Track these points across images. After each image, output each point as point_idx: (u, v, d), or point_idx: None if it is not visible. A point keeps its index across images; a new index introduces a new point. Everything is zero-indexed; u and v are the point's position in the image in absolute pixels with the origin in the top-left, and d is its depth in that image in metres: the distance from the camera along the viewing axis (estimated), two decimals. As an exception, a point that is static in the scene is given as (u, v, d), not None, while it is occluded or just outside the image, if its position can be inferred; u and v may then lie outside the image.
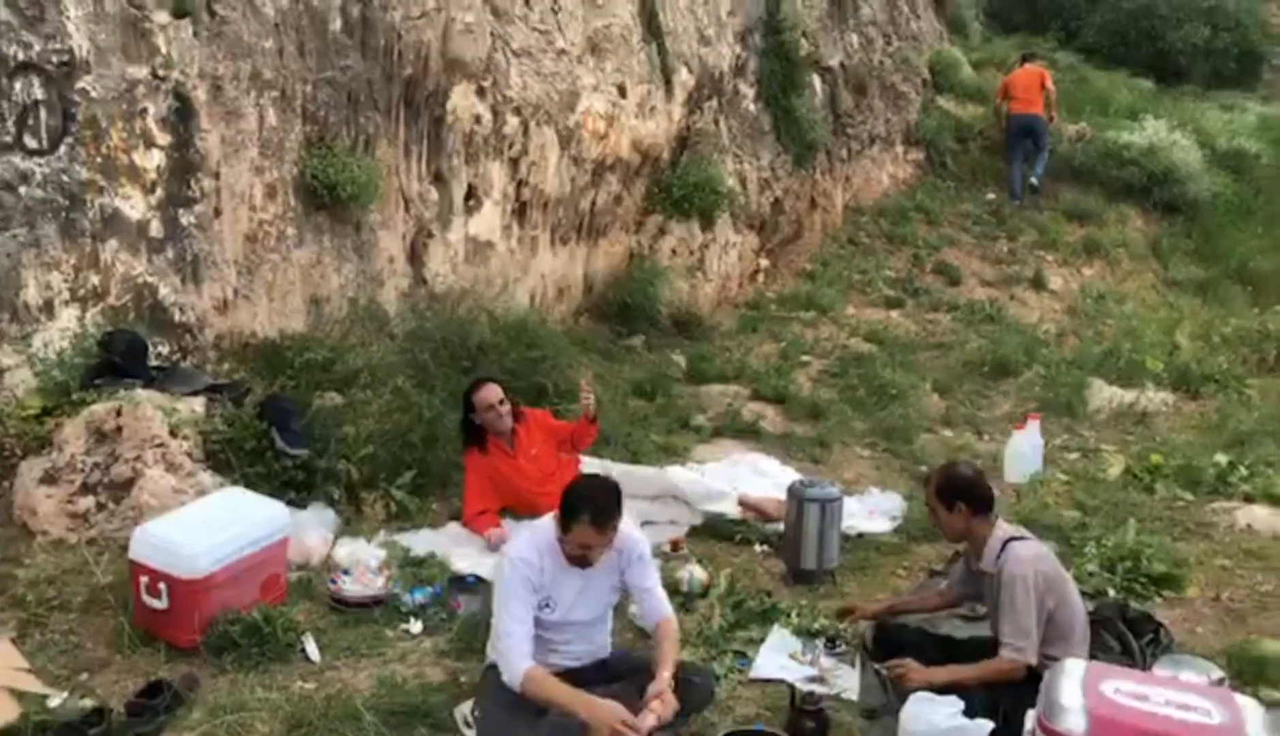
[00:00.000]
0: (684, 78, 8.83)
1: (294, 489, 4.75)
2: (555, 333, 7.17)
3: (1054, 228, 11.50)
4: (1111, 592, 4.72)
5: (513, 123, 7.14)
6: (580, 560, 3.26)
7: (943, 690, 3.32)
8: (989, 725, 3.13)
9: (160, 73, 4.99)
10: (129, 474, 4.29)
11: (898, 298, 10.19)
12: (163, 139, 5.03)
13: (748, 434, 6.79)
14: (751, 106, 9.92)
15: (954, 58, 13.56)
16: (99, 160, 4.75)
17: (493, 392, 5.13)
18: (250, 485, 4.57)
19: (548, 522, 3.35)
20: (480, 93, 6.89)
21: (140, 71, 4.92)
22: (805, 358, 8.55)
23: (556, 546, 3.30)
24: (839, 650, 4.06)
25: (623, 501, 3.28)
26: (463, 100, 6.77)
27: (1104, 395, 7.92)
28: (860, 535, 5.24)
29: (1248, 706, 2.81)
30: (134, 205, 4.92)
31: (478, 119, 6.91)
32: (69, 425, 4.33)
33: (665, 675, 3.17)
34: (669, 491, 5.30)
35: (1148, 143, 12.09)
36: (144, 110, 4.94)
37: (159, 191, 5.04)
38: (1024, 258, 11.18)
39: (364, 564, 4.30)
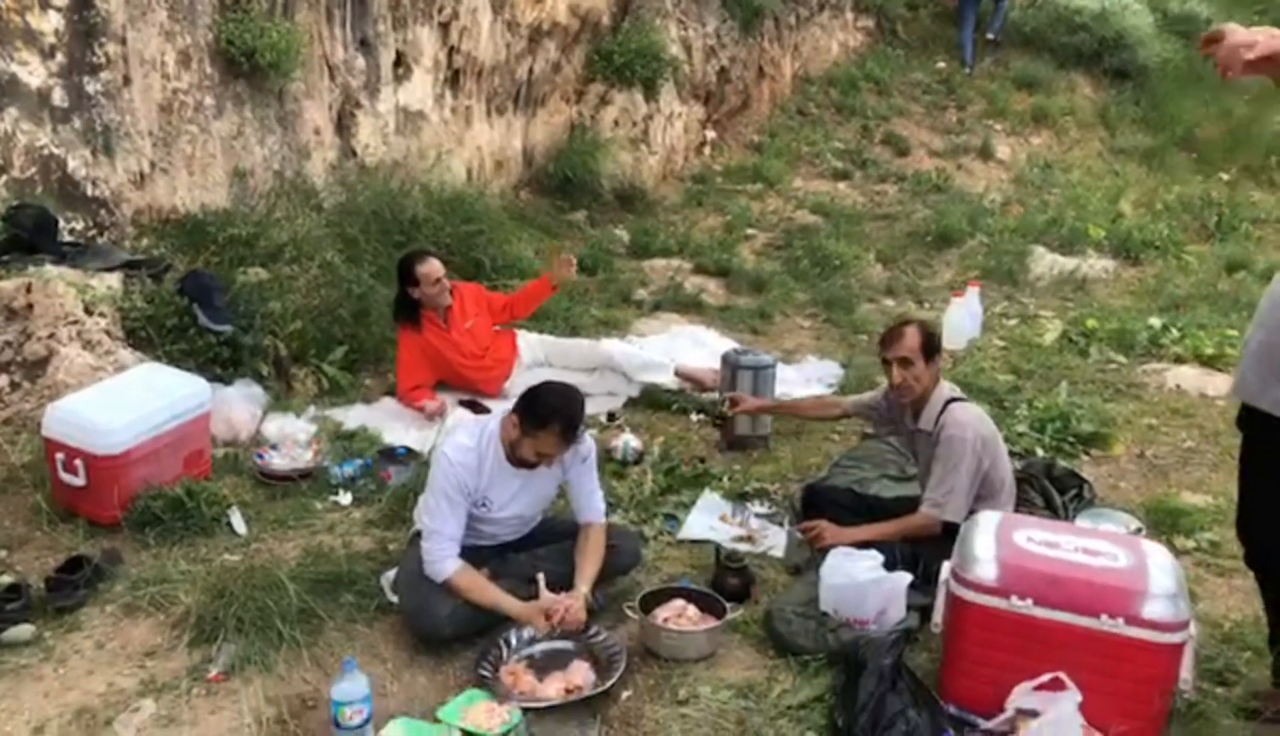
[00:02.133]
0: (624, -62, 8.48)
1: (220, 366, 4.65)
2: (493, 207, 7.02)
3: (1002, 96, 11.36)
4: (1040, 452, 4.80)
5: (442, -15, 6.84)
6: (533, 464, 3.18)
7: (863, 547, 3.37)
8: (907, 576, 3.19)
9: (53, -73, 4.68)
10: (43, 352, 4.16)
11: (845, 170, 10.08)
12: (59, 0, 4.74)
13: (689, 307, 6.75)
14: (696, -30, 9.57)
15: (906, -80, 13.12)
16: (-9, 23, 4.47)
17: (436, 266, 5.03)
18: (173, 362, 4.47)
19: (491, 421, 3.28)
20: (406, -47, 6.57)
21: (30, -75, 4.61)
22: (750, 231, 8.48)
23: (499, 446, 3.21)
24: (768, 512, 4.10)
25: (584, 412, 3.22)
26: (388, -39, 6.45)
27: (1045, 262, 7.95)
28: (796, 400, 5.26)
29: (1154, 551, 2.87)
30: (32, 71, 4.66)
31: (404, -19, 6.60)
32: (-24, 303, 4.17)
33: (582, 589, 3.15)
34: (605, 363, 5.27)
35: (1099, 7, 11.89)
36: (37, -31, 4.64)
37: (59, 57, 4.77)
38: (973, 127, 11.06)
39: (292, 438, 4.25)
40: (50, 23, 4.73)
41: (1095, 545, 2.86)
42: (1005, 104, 11.33)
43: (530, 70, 7.87)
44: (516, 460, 3.20)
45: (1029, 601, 2.73)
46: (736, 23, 10.05)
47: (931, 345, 3.60)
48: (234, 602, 3.12)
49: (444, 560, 3.10)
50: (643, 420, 5.05)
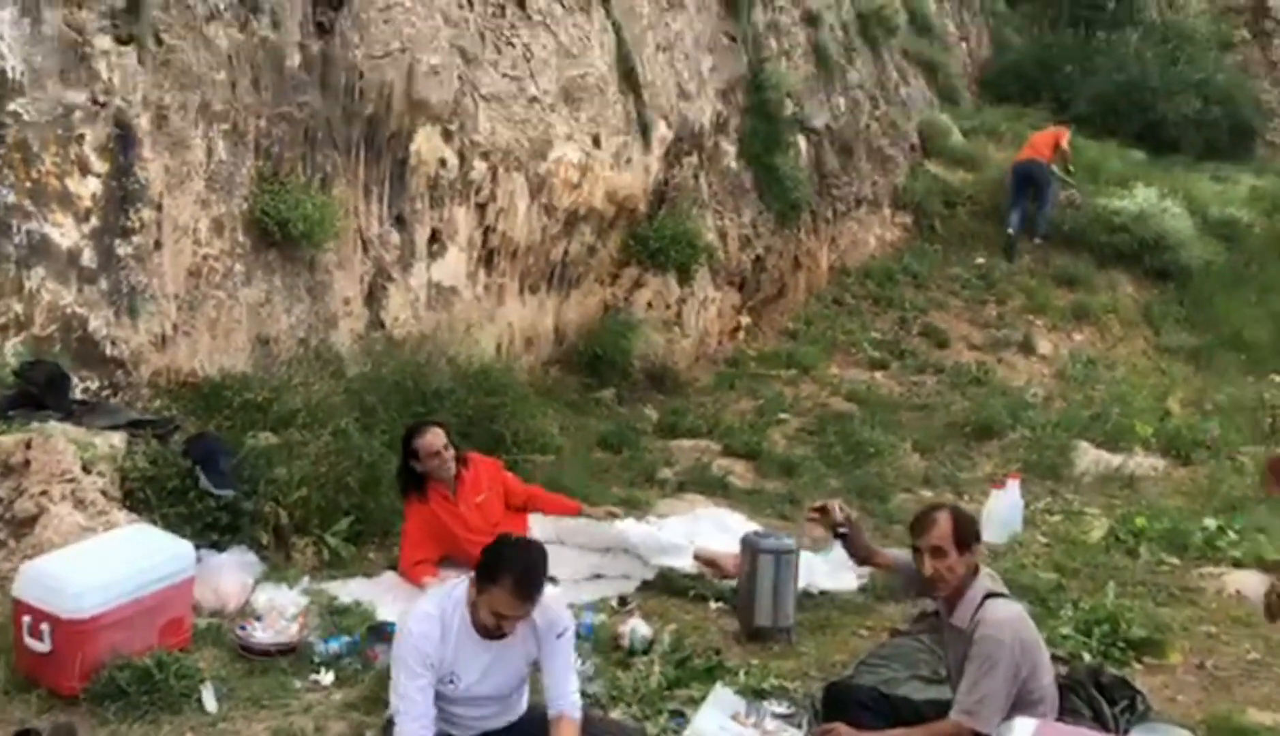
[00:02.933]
0: (662, 131, 8.73)
1: (218, 531, 4.49)
2: (518, 381, 6.94)
3: (1043, 292, 11.32)
4: (1087, 657, 4.41)
5: (480, 168, 7.01)
6: (491, 630, 2.91)
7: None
8: (933, 791, 2.82)
9: (100, 99, 4.85)
10: (33, 510, 4.02)
11: (883, 359, 9.98)
12: (100, 166, 4.87)
13: (715, 489, 6.53)
14: (733, 163, 9.81)
15: (943, 124, 13.51)
16: (28, 185, 4.57)
17: (437, 438, 4.88)
18: (170, 526, 4.31)
19: (459, 587, 3.04)
20: (446, 136, 6.77)
21: (79, 96, 4.78)
22: (783, 415, 8.32)
23: (466, 614, 2.96)
24: (786, 712, 3.74)
25: (547, 570, 2.97)
26: (427, 143, 6.64)
27: (1090, 458, 7.65)
28: (823, 592, 4.95)
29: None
30: (64, 233, 4.74)
31: (443, 163, 6.77)
32: (-27, 457, 4.08)
33: None
34: (620, 544, 5.02)
35: (1138, 209, 11.95)
36: (81, 136, 4.79)
37: (93, 220, 4.86)
38: (1013, 322, 10.97)
39: (280, 611, 4.02)
40: (89, 187, 4.84)
41: (1146, 763, 2.50)
42: (1046, 300, 11.27)
43: (565, 252, 7.96)
44: (482, 629, 2.92)
45: (1072, 827, 2.36)
46: (772, 214, 10.21)
47: (966, 533, 3.32)
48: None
49: None
50: (657, 606, 4.75)
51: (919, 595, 3.86)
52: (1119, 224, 11.84)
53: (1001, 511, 6.07)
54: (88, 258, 4.84)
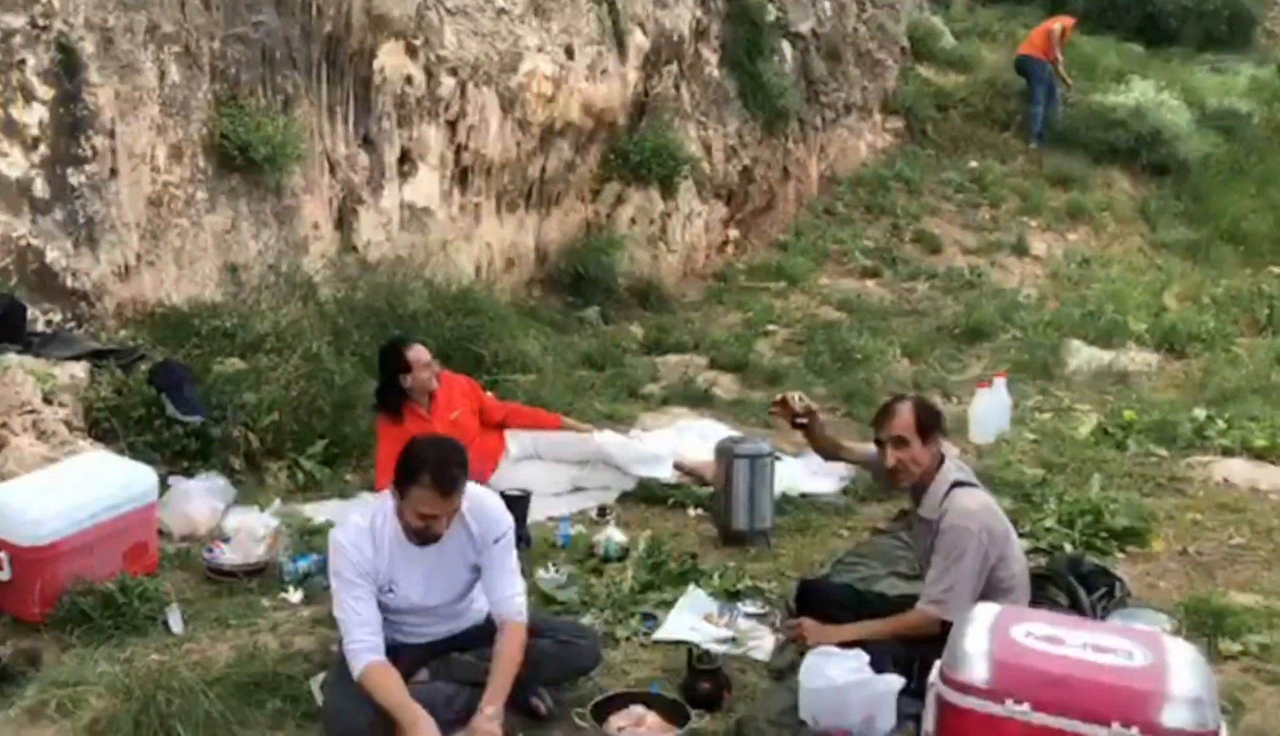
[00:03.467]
0: (638, 40, 8.49)
1: (187, 458, 4.46)
2: (497, 302, 6.84)
3: (1037, 193, 11.12)
4: (1069, 548, 4.38)
5: (448, 84, 6.83)
6: (422, 533, 2.85)
7: (853, 647, 2.99)
8: (899, 680, 2.79)
9: (40, 22, 4.69)
10: (-6, 442, 3.98)
11: (875, 267, 9.83)
12: (45, 93, 4.72)
13: (700, 402, 6.46)
14: (715, 72, 9.57)
15: (933, 26, 13.18)
16: (-31, 113, 4.45)
17: (425, 351, 4.83)
18: (138, 454, 4.27)
19: (387, 500, 2.98)
20: (411, 52, 6.58)
21: (17, 20, 4.62)
22: (771, 327, 8.22)
23: (397, 524, 2.92)
24: (759, 611, 3.71)
25: (467, 464, 2.90)
26: (391, 60, 6.46)
27: (1082, 356, 7.56)
28: (804, 496, 4.91)
29: (1177, 649, 2.47)
30: (12, 162, 4.61)
31: (409, 80, 6.59)
32: (-71, 391, 4.02)
33: (487, 710, 2.72)
34: (599, 456, 4.97)
35: (1134, 104, 11.70)
36: (22, 61, 4.63)
37: (42, 149, 4.73)
38: (1006, 224, 10.80)
39: (249, 533, 3.98)
40: (34, 115, 4.71)
41: (1107, 641, 2.45)
42: (1040, 201, 11.08)
43: (543, 168, 7.80)
44: (414, 536, 2.87)
45: (1026, 706, 2.32)
46: (758, 124, 9.99)
47: (929, 422, 3.25)
48: (145, 708, 2.81)
49: (359, 653, 2.78)
50: (636, 515, 4.73)
51: (885, 488, 3.80)
52: (1115, 119, 11.60)
53: (987, 410, 6.00)
54: (39, 188, 4.73)
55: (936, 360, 7.55)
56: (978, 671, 2.39)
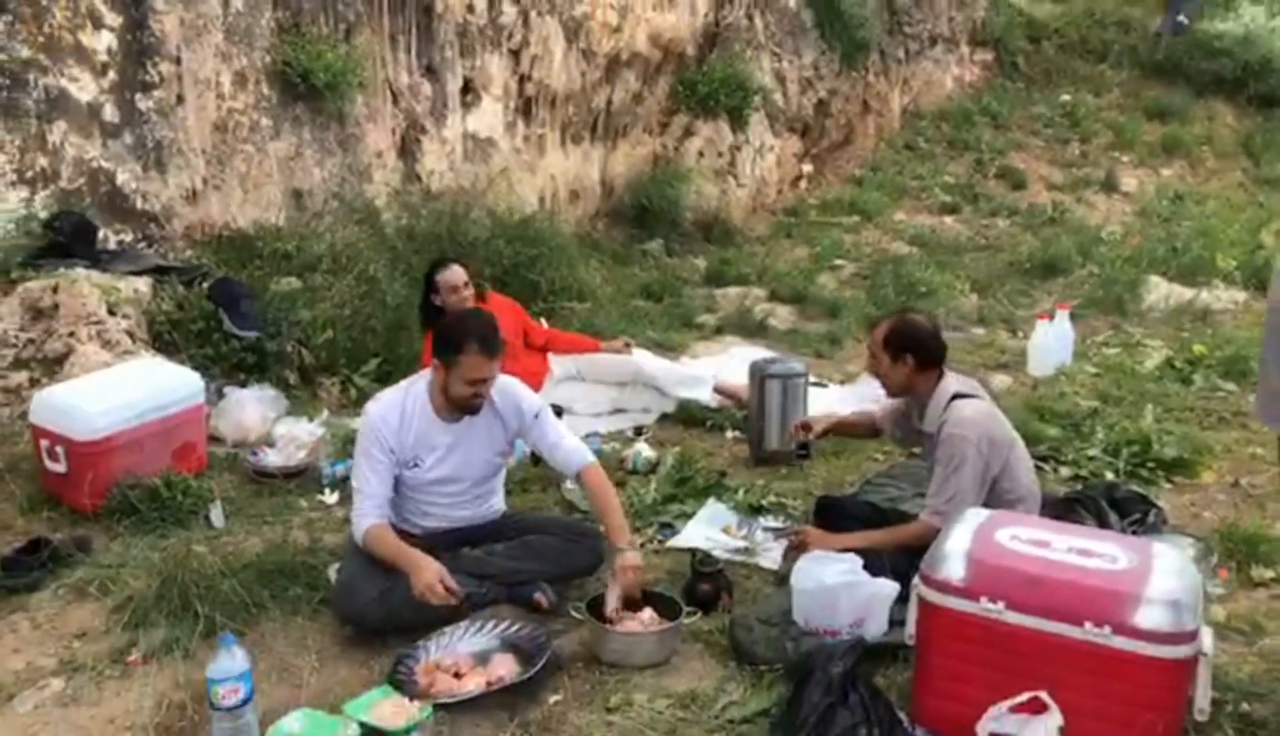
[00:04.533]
0: (710, -32, 8.39)
1: (244, 371, 4.67)
2: (558, 232, 6.91)
3: (1132, 127, 10.67)
4: (1110, 476, 4.28)
5: (510, 12, 6.86)
6: (469, 402, 3.01)
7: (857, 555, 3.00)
8: (891, 584, 2.80)
9: (108, -50, 4.87)
10: (62, 349, 4.23)
11: (954, 203, 9.61)
12: (112, 20, 4.92)
13: (755, 331, 6.45)
14: (791, 2, 9.38)
15: (1030, -48, 12.63)
16: (40, 40, 4.66)
17: (457, 274, 4.90)
18: (197, 366, 4.48)
19: (418, 382, 3.14)
20: (473, -20, 6.63)
21: (86, -51, 4.81)
22: (839, 261, 8.12)
23: (427, 403, 3.08)
24: (779, 526, 3.74)
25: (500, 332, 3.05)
26: (453, -13, 6.52)
27: (1160, 292, 7.29)
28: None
29: (1165, 553, 2.42)
30: (83, 87, 4.83)
31: (471, 8, 6.65)
32: (4, 302, 4.28)
33: (621, 544, 2.92)
34: (639, 377, 5.02)
35: (1243, 31, 11.07)
36: (90, -11, 4.83)
37: (111, 74, 4.94)
38: (1096, 159, 10.42)
39: (295, 440, 4.17)
40: (103, 41, 4.91)
41: (1094, 545, 2.42)
42: (1135, 135, 10.64)
43: (609, 100, 7.80)
44: (449, 412, 3.03)
45: (1001, 605, 2.32)
46: (836, 56, 9.79)
47: (900, 341, 3.22)
48: (174, 589, 3.00)
49: (363, 516, 2.95)
50: (673, 435, 4.78)
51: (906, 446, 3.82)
52: (1221, 48, 11.00)
53: (1047, 343, 5.84)
54: (109, 112, 4.95)
55: (1006, 295, 7.36)
56: (955, 570, 2.39)
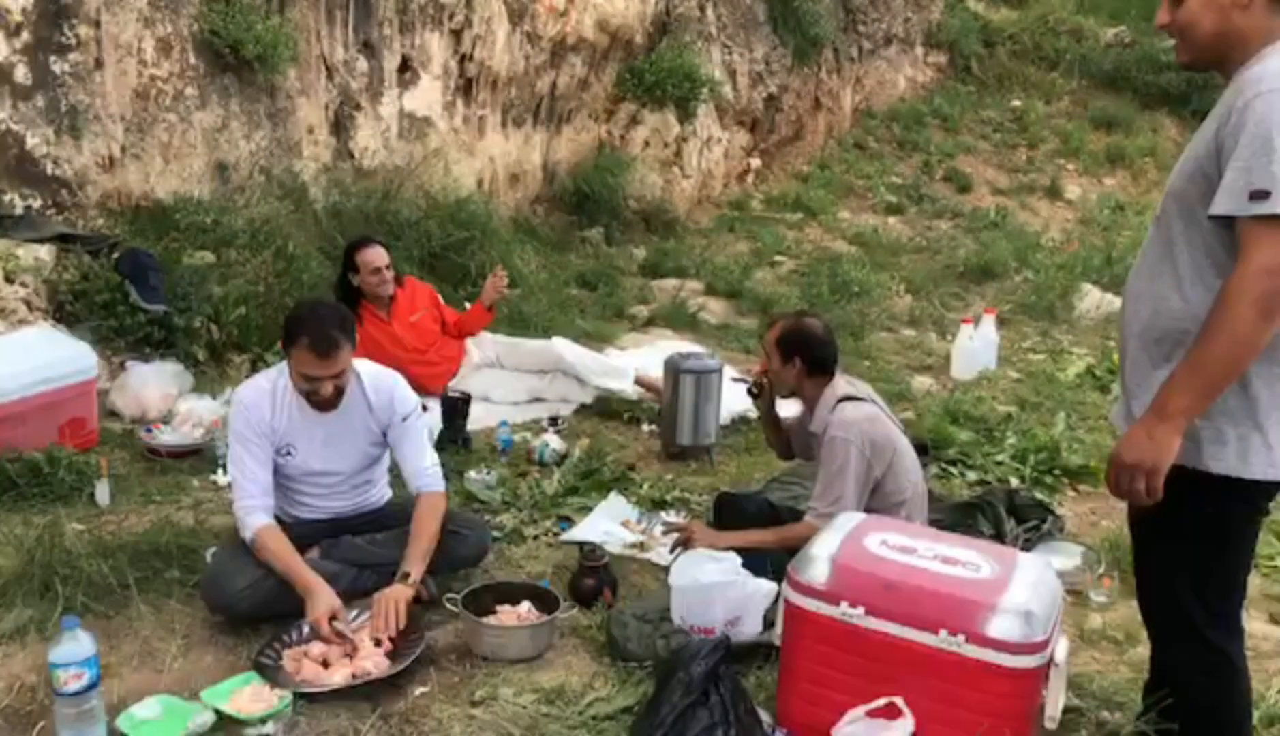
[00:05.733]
0: (660, -43, 8.33)
1: (151, 345, 4.57)
2: (493, 216, 6.84)
3: (1079, 135, 10.79)
4: (1015, 482, 4.30)
5: (452, -9, 6.77)
6: (311, 397, 2.89)
7: (741, 553, 2.98)
8: (769, 585, 2.78)
9: (24, -92, 4.73)
10: (-46, 317, 4.12)
11: (899, 204, 9.66)
12: (28, -22, 4.78)
13: (686, 324, 6.43)
14: (744, -5, 9.36)
15: (989, -43, 12.72)
16: (-51, -5, 4.52)
17: (378, 255, 4.82)
18: (102, 339, 4.41)
19: (289, 370, 3.02)
20: (414, -44, 6.53)
21: (1, -95, 4.67)
22: (779, 258, 8.13)
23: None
24: (679, 521, 3.72)
25: (353, 331, 2.92)
26: (393, -37, 6.42)
27: (1092, 299, 7.37)
28: (758, 418, 4.86)
29: (1030, 564, 2.42)
30: (-7, 46, 4.70)
31: (411, -15, 6.55)
32: (-106, 265, 4.17)
33: (409, 572, 2.79)
34: (558, 365, 4.98)
35: (1191, 46, 11.19)
36: (4, -53, 4.69)
37: (25, 35, 4.80)
38: (1043, 166, 10.52)
39: (195, 417, 4.09)
40: (16, 1, 4.77)
41: (959, 553, 2.42)
42: (1081, 143, 10.76)
43: (554, 85, 7.73)
44: (305, 399, 2.92)
45: (860, 610, 2.31)
46: (789, 51, 9.78)
47: (790, 343, 3.22)
48: (46, 572, 2.92)
49: (251, 512, 2.85)
50: (589, 427, 4.75)
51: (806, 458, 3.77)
52: (1167, 62, 11.13)
53: (971, 347, 5.90)
54: (21, 74, 4.80)
55: (939, 298, 7.41)
56: (818, 573, 2.38)
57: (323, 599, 2.72)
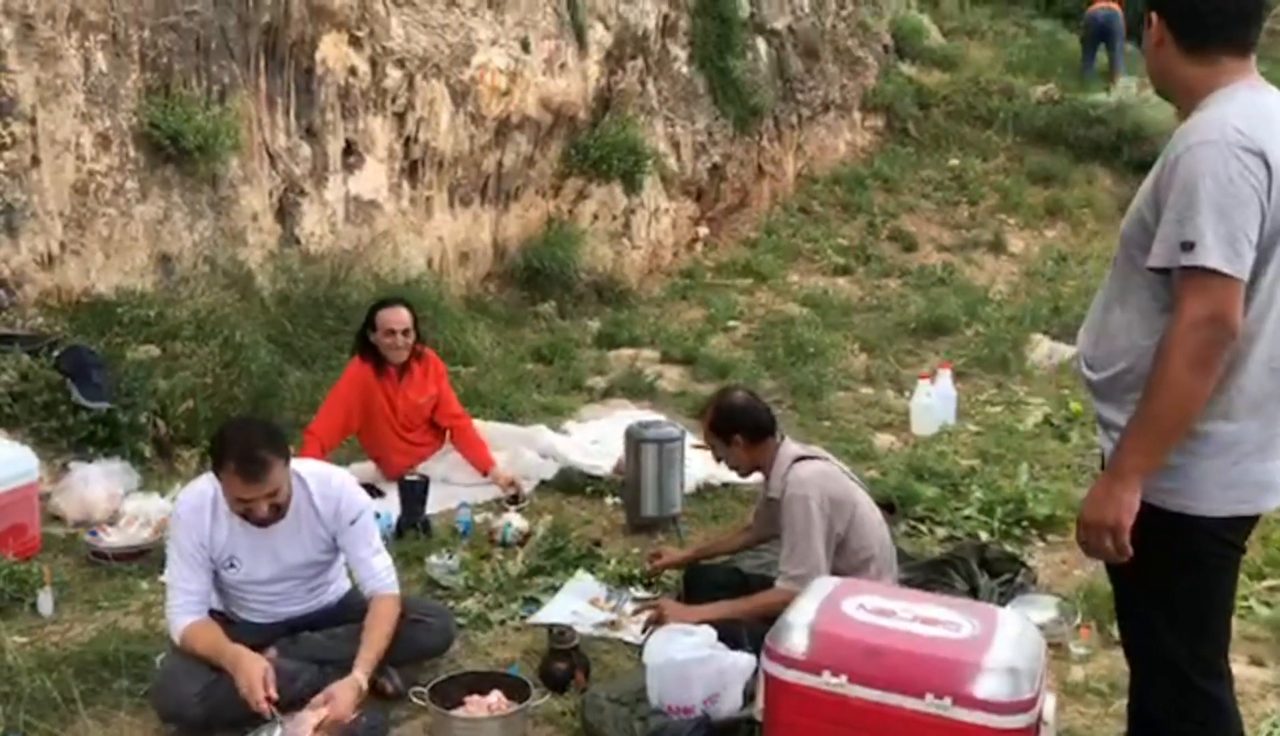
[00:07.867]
0: (600, 35, 8.44)
1: (95, 444, 4.42)
2: (444, 295, 6.80)
3: (1017, 190, 11.00)
4: (984, 536, 4.28)
5: (395, 76, 6.79)
6: (245, 517, 2.77)
7: (717, 627, 2.91)
8: (747, 658, 2.71)
9: (-44, 8, 4.68)
10: (-114, 426, 3.96)
11: (847, 265, 9.74)
12: (-41, 79, 4.71)
13: (643, 393, 6.38)
14: (684, 68, 9.51)
15: (918, 23, 13.08)
16: (-122, 98, 4.44)
17: (397, 317, 4.68)
18: (42, 441, 4.27)
19: None
20: (355, 43, 6.55)
21: (-69, 6, 4.62)
22: (732, 323, 8.14)
23: None
24: (648, 597, 3.63)
25: (284, 446, 2.81)
26: (334, 51, 6.43)
27: (1044, 350, 7.44)
28: (725, 485, 4.83)
29: (1010, 621, 2.38)
30: (-76, 148, 4.61)
31: (353, 71, 6.56)
32: None
33: (356, 674, 2.68)
34: (550, 453, 4.95)
35: (1116, 101, 11.56)
36: (-64, 47, 4.63)
37: (-42, 135, 4.73)
38: (984, 221, 10.69)
39: (142, 517, 3.94)
40: (-52, 101, 4.70)
41: (939, 613, 2.37)
42: (1020, 198, 10.96)
43: (500, 163, 7.76)
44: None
45: (843, 678, 2.24)
46: (730, 121, 9.93)
47: (721, 424, 3.25)
48: (-14, 686, 2.77)
49: (178, 614, 2.74)
50: (551, 503, 4.67)
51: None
52: (1096, 116, 11.47)
53: (929, 402, 5.91)
54: (-45, 174, 4.72)
55: (894, 355, 7.44)
56: (797, 643, 2.31)
57: (251, 664, 2.61)
